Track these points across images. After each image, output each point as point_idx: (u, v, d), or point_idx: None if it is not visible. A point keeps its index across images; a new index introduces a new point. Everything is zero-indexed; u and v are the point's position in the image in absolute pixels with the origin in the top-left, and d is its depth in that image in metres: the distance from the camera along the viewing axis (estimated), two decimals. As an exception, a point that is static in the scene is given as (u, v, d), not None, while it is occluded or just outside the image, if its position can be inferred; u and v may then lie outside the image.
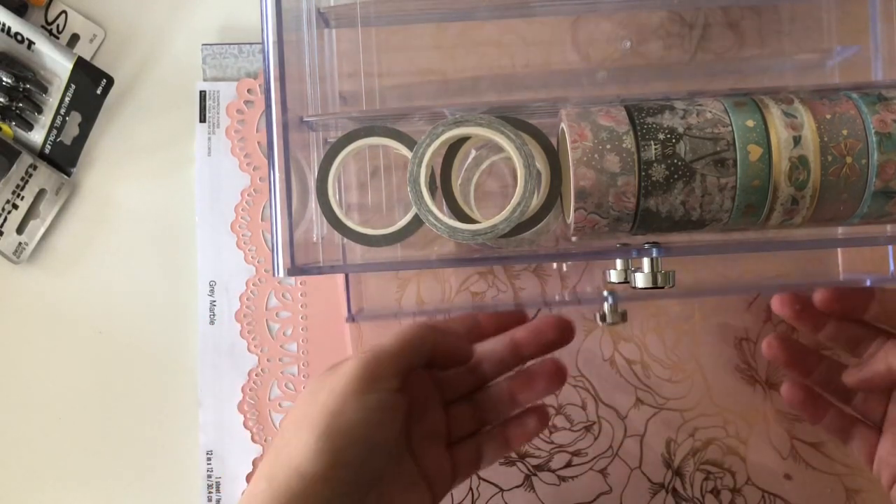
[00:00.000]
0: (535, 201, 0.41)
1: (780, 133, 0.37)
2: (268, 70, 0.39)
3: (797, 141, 0.37)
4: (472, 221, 0.42)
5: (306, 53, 0.45)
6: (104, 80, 0.55)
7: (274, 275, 0.37)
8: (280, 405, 0.55)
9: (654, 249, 0.39)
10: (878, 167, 0.37)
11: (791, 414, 0.53)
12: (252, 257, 0.56)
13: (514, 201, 0.39)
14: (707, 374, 0.53)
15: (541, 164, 0.42)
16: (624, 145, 0.37)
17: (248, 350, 0.56)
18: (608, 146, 0.37)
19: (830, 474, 0.53)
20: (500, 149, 0.43)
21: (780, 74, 0.52)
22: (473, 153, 0.47)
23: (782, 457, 0.53)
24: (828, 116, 0.37)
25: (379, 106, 0.50)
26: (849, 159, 0.37)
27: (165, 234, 0.56)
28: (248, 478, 0.55)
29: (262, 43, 0.39)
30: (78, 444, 0.56)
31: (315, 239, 0.43)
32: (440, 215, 0.40)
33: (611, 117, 0.38)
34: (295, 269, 0.37)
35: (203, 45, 0.56)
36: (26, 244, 0.56)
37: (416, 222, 0.42)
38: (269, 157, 0.37)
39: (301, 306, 0.56)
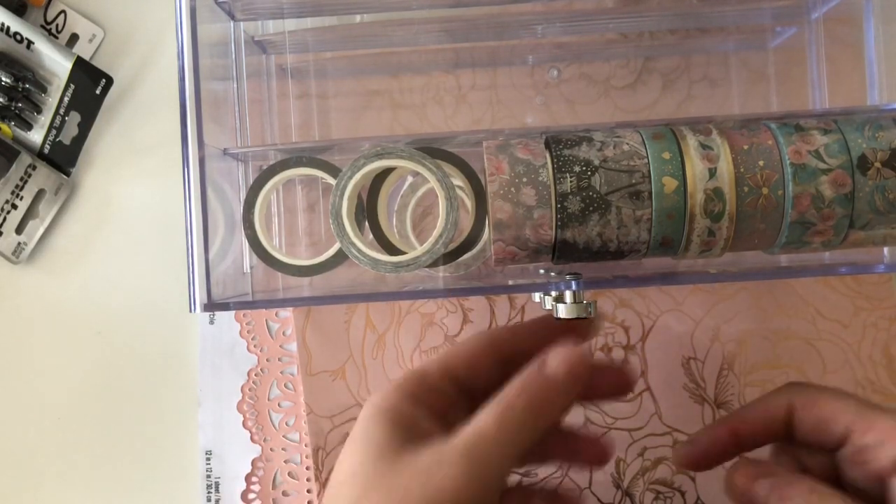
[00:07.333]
0: (469, 226, 0.41)
1: (695, 165, 0.37)
2: (184, 102, 0.38)
3: (713, 173, 0.36)
4: (399, 252, 0.42)
5: (234, 80, 0.44)
6: (103, 80, 0.55)
7: (190, 311, 0.37)
8: (279, 405, 0.55)
9: (573, 282, 0.39)
10: (794, 198, 0.36)
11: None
12: (251, 257, 0.55)
13: (435, 233, 0.40)
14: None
15: (467, 192, 0.42)
16: (540, 178, 0.37)
17: (248, 350, 0.56)
18: (524, 179, 0.37)
19: (780, 494, 0.52)
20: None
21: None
22: (410, 179, 0.47)
23: (731, 476, 0.52)
24: (745, 147, 0.37)
25: (319, 127, 0.50)
26: (765, 190, 0.36)
27: (165, 235, 0.56)
28: (248, 478, 0.55)
29: (178, 71, 0.38)
30: (78, 444, 0.56)
31: (245, 270, 0.43)
32: (362, 247, 0.40)
33: (529, 150, 0.38)
34: (211, 305, 0.37)
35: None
36: (25, 244, 0.56)
37: (343, 254, 0.42)
38: (185, 192, 0.37)
39: (301, 305, 0.55)
